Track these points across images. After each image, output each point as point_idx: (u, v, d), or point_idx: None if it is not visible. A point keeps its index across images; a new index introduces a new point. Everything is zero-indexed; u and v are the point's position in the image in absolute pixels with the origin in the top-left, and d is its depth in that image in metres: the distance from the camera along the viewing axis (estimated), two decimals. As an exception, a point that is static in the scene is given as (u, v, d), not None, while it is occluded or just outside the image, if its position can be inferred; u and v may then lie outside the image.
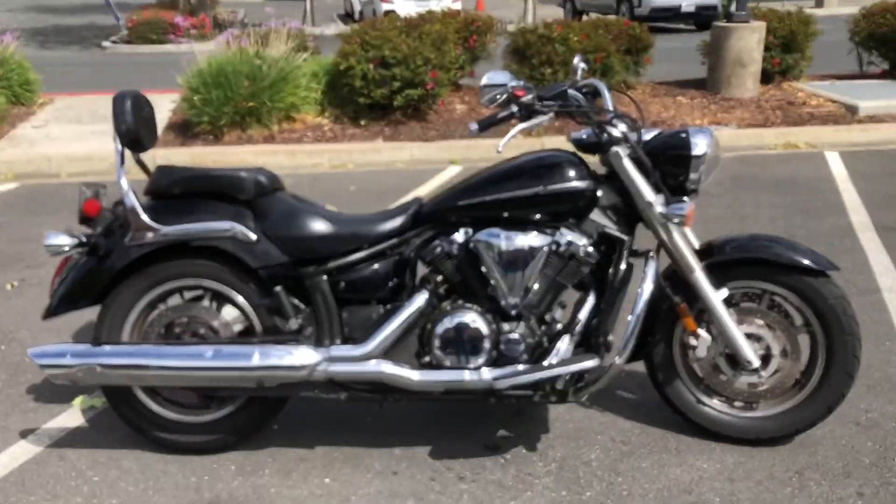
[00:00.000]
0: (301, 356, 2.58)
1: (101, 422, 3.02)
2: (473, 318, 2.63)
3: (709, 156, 2.64)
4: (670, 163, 2.65)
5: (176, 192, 2.75)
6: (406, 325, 2.65)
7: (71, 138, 7.43)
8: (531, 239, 2.61)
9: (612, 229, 2.72)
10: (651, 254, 2.70)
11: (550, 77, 7.58)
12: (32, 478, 2.72)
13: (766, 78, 8.96)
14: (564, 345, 2.64)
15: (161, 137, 7.43)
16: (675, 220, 2.58)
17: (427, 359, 2.67)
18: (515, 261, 2.60)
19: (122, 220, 2.72)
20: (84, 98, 9.19)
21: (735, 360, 2.76)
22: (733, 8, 8.77)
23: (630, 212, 2.71)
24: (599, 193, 2.69)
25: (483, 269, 2.63)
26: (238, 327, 2.84)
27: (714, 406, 2.86)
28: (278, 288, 2.65)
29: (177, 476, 2.72)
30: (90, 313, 2.83)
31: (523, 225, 2.65)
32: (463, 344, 2.63)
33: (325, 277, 2.68)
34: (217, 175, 2.73)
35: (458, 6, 17.45)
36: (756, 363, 2.72)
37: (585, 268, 2.68)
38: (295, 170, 6.89)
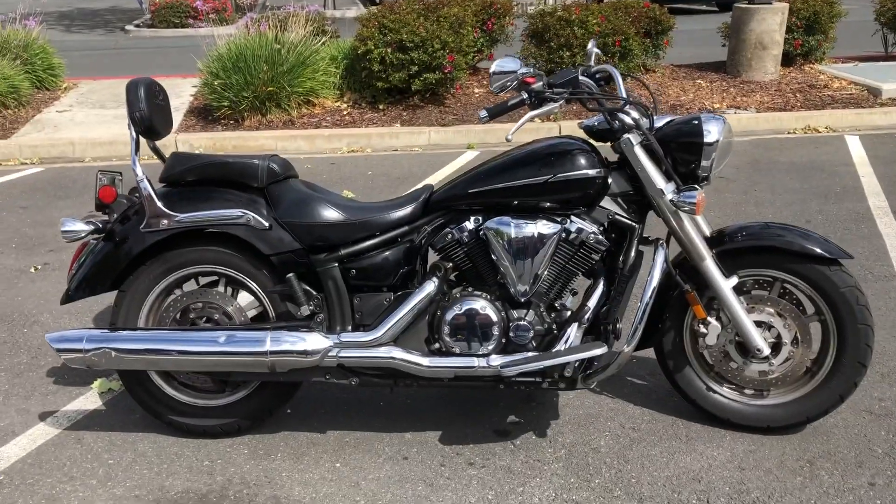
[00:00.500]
0: (312, 342, 2.61)
1: (119, 405, 3.08)
2: (483, 305, 2.65)
3: (721, 143, 2.62)
4: (682, 150, 2.64)
5: (190, 180, 2.78)
6: (416, 312, 2.67)
7: (94, 123, 7.50)
8: (541, 227, 2.62)
9: (623, 217, 2.71)
10: (661, 242, 2.70)
11: (568, 60, 7.54)
12: (50, 459, 2.77)
13: (788, 60, 8.85)
14: (573, 332, 2.64)
15: (182, 122, 7.53)
16: (686, 209, 2.57)
17: (437, 345, 2.70)
18: (525, 248, 2.61)
19: (138, 207, 2.75)
20: (107, 82, 9.26)
21: (745, 348, 2.75)
22: (755, -12, 8.66)
23: (641, 199, 2.70)
24: (610, 181, 2.69)
25: (493, 256, 2.64)
26: (252, 313, 2.89)
27: (724, 394, 2.86)
28: (290, 275, 2.68)
29: (191, 459, 2.77)
30: (110, 298, 2.87)
31: (533, 213, 2.66)
32: (472, 331, 2.65)
33: (336, 265, 2.70)
34: (230, 162, 2.76)
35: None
36: (766, 351, 2.71)
37: (595, 255, 2.68)
38: (314, 154, 6.94)
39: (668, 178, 2.65)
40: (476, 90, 8.05)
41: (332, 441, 2.86)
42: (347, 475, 2.67)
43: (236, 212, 2.67)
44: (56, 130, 7.18)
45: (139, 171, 2.72)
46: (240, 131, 7.17)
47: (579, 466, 2.70)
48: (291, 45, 7.26)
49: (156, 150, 2.91)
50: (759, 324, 2.75)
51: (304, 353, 2.60)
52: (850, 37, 9.51)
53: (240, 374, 2.73)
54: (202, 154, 2.85)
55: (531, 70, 2.52)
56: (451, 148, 6.98)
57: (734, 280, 2.71)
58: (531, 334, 2.65)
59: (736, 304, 2.69)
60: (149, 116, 2.71)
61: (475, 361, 2.63)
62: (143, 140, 2.79)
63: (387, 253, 2.72)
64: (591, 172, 2.62)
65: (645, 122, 2.66)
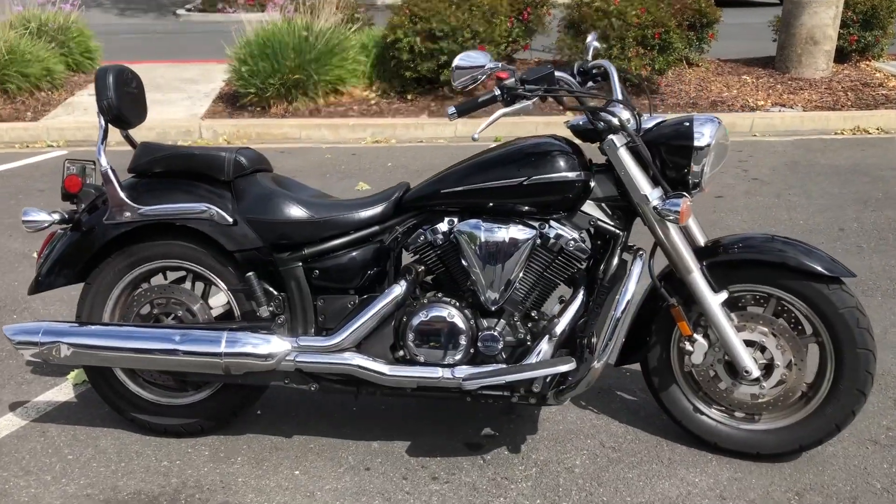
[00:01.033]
0: (268, 345, 2.50)
1: (89, 398, 3.02)
2: (450, 313, 2.50)
3: (713, 147, 2.42)
4: (672, 153, 2.45)
5: (157, 171, 2.69)
6: (381, 317, 2.54)
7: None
8: (514, 231, 2.46)
9: (607, 223, 2.54)
10: (641, 252, 2.51)
11: (605, 53, 7.29)
12: (10, 452, 2.73)
13: (842, 57, 8.45)
14: (546, 345, 2.48)
15: (210, 108, 7.53)
16: (670, 218, 2.38)
17: (401, 353, 2.56)
18: (495, 254, 2.46)
19: (105, 198, 2.68)
20: (143, 66, 9.26)
21: (734, 369, 2.56)
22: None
23: (627, 205, 2.52)
24: (593, 185, 2.51)
25: (463, 261, 2.49)
26: (219, 311, 2.79)
27: (712, 416, 2.67)
28: (250, 273, 2.57)
29: (150, 459, 2.69)
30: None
31: (509, 216, 2.50)
32: (438, 339, 2.50)
33: (299, 264, 2.58)
34: (196, 154, 2.66)
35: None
36: (755, 373, 2.51)
37: (576, 264, 2.51)
38: (337, 144, 6.85)
39: (656, 183, 2.46)
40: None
41: (296, 447, 2.75)
42: (304, 484, 2.56)
43: (200, 206, 2.58)
44: (85, 114, 7.23)
45: (103, 160, 2.64)
46: (265, 118, 7.12)
47: (548, 487, 2.54)
48: (320, 32, 7.17)
49: (129, 139, 2.84)
50: (750, 343, 2.55)
51: (260, 356, 2.50)
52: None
53: (195, 375, 2.64)
54: (170, 145, 2.75)
55: (500, 65, 2.35)
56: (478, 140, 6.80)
57: (723, 295, 2.51)
58: (500, 345, 2.50)
59: (724, 321, 2.49)
60: (117, 105, 2.63)
61: (439, 372, 2.49)
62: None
63: (353, 253, 2.59)
64: (570, 175, 2.44)
65: (631, 123, 2.47)
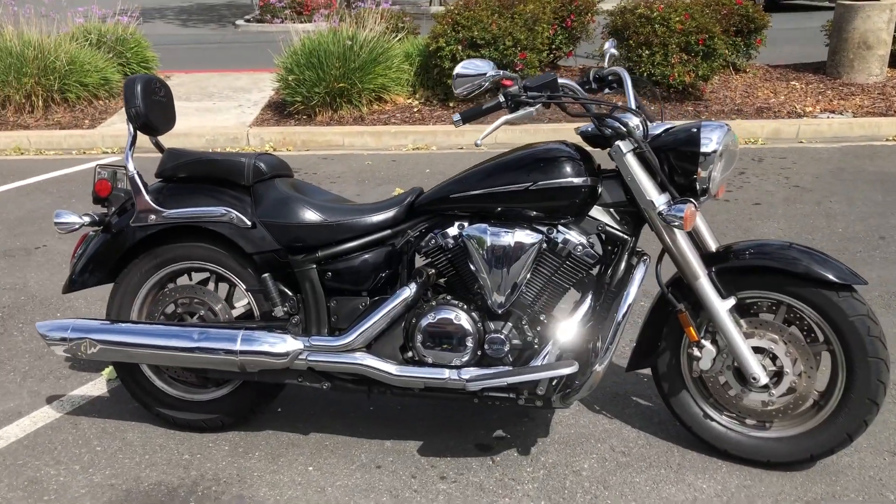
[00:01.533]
0: (281, 344, 2.59)
1: (121, 394, 3.15)
2: (457, 315, 2.55)
3: (720, 153, 2.43)
4: (679, 159, 2.46)
5: (181, 176, 2.81)
6: (391, 318, 2.61)
7: (177, 114, 7.77)
8: (520, 235, 2.50)
9: (615, 228, 2.56)
10: (645, 257, 2.53)
11: (647, 59, 7.25)
12: (43, 442, 2.87)
13: (898, 62, 8.24)
14: (552, 349, 2.51)
15: (258, 116, 7.72)
16: (675, 223, 2.39)
17: (410, 354, 2.62)
18: (502, 257, 2.50)
19: (133, 201, 2.80)
20: (197, 75, 9.60)
21: (743, 375, 2.55)
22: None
23: (636, 211, 2.54)
24: (601, 190, 2.54)
25: (470, 264, 2.54)
26: (239, 311, 2.89)
27: (722, 422, 2.66)
28: (266, 275, 2.66)
29: (173, 452, 2.81)
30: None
31: (518, 220, 2.54)
32: (445, 341, 2.56)
33: (313, 266, 2.66)
34: (218, 160, 2.77)
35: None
36: (763, 380, 2.50)
37: (583, 268, 2.54)
38: (378, 151, 6.96)
39: (663, 189, 2.48)
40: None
41: (312, 444, 2.83)
42: (317, 480, 2.64)
43: (220, 209, 2.68)
44: (140, 121, 7.48)
45: (131, 166, 2.77)
46: (310, 126, 7.27)
47: (554, 489, 2.56)
48: (364, 41, 7.30)
49: (157, 145, 2.96)
50: (759, 350, 2.54)
51: (274, 354, 2.59)
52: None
53: (214, 372, 2.74)
54: (194, 151, 2.87)
55: (502, 73, 2.40)
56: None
57: (731, 301, 2.51)
58: (507, 348, 2.54)
59: (731, 327, 2.49)
60: (144, 112, 2.75)
61: (446, 373, 2.54)
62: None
63: (366, 256, 2.66)
64: (576, 181, 2.47)
65: (638, 129, 2.49)
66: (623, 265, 2.55)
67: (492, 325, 2.57)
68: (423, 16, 9.88)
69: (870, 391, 2.44)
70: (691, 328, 2.54)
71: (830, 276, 2.41)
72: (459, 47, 7.15)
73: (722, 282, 2.52)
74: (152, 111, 2.78)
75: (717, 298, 2.49)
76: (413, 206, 2.68)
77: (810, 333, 2.55)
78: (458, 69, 2.38)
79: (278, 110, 7.73)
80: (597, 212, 2.57)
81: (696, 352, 2.56)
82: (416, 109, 7.54)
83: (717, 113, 7.31)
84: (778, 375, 2.54)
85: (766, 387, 2.53)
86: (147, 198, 2.73)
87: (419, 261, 2.70)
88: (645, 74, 7.32)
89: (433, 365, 2.58)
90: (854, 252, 4.44)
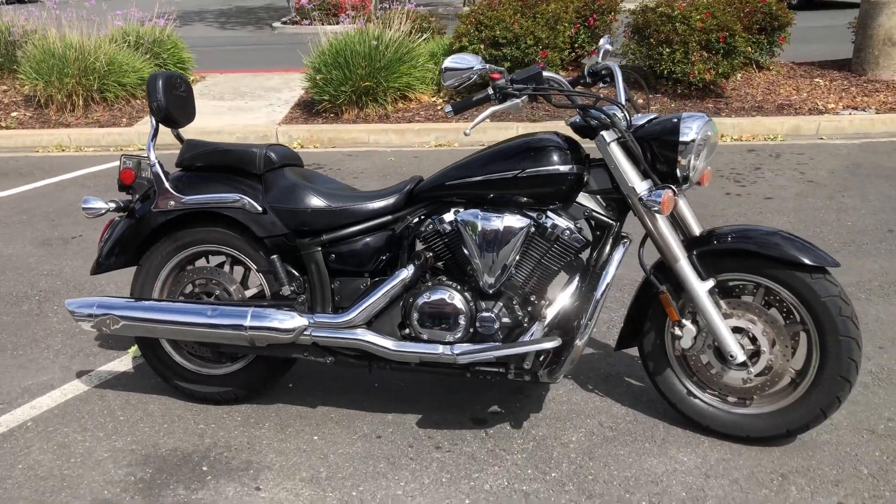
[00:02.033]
0: (288, 320, 2.78)
1: (145, 370, 3.36)
2: (451, 295, 2.72)
3: (698, 142, 2.56)
4: (661, 148, 2.60)
5: (199, 165, 3.02)
6: (389, 297, 2.78)
7: (210, 113, 8.06)
8: (509, 220, 2.66)
9: (600, 214, 2.71)
10: (625, 240, 2.67)
11: (668, 57, 7.34)
12: (72, 412, 3.10)
13: (924, 58, 8.20)
14: (539, 327, 2.67)
15: (288, 114, 7.96)
16: (654, 208, 2.53)
17: (407, 331, 2.80)
18: (491, 241, 2.66)
19: (155, 189, 3.02)
20: (231, 75, 9.89)
21: (723, 354, 2.68)
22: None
23: (621, 197, 2.68)
24: (587, 178, 2.69)
25: (463, 247, 2.71)
26: (252, 291, 3.10)
27: (705, 399, 2.79)
28: (274, 256, 2.86)
29: (189, 422, 3.02)
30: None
31: (509, 206, 2.70)
32: (439, 318, 2.73)
33: (319, 249, 2.85)
34: (231, 150, 2.97)
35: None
36: (740, 357, 2.63)
37: (571, 252, 2.69)
38: (402, 148, 7.15)
39: (646, 176, 2.62)
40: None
41: (319, 416, 3.02)
42: (321, 448, 2.83)
43: (233, 196, 2.88)
44: (174, 120, 7.77)
45: (153, 155, 2.99)
46: (337, 124, 7.49)
47: (541, 459, 2.72)
48: (390, 41, 7.49)
49: (178, 137, 3.17)
50: (738, 330, 2.67)
51: (280, 330, 2.78)
52: None
53: (227, 347, 2.95)
54: (211, 142, 3.07)
55: (488, 67, 2.56)
56: (537, 144, 6.99)
57: (710, 283, 2.64)
58: (497, 326, 2.70)
59: (709, 308, 2.62)
60: (165, 107, 2.95)
61: (440, 349, 2.71)
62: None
63: (367, 240, 2.84)
64: (563, 168, 2.63)
65: (621, 120, 2.63)
66: (608, 249, 2.69)
67: (483, 305, 2.73)
68: (450, 16, 10.04)
69: (842, 369, 2.55)
70: (672, 308, 2.68)
71: (803, 259, 2.53)
72: (482, 46, 7.31)
73: (703, 264, 2.66)
74: (173, 105, 2.98)
75: (697, 280, 2.63)
76: (413, 193, 2.85)
77: (790, 315, 2.67)
78: (447, 63, 2.54)
79: (307, 109, 7.97)
80: (584, 198, 2.72)
81: (677, 331, 2.70)
82: (439, 107, 7.72)
83: (738, 110, 7.38)
84: (756, 354, 2.66)
85: (744, 364, 2.66)
86: (167, 185, 2.94)
87: (419, 245, 2.87)
88: (665, 72, 7.41)
89: (428, 341, 2.75)
90: (860, 244, 4.51)
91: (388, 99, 7.57)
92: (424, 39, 7.97)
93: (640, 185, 2.60)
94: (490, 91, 2.58)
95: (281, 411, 3.07)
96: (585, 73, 2.99)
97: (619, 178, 2.62)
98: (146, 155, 3.12)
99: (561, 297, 2.71)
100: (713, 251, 2.66)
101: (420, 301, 2.74)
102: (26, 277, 4.44)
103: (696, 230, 2.77)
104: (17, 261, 4.69)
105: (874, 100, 7.53)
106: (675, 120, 2.59)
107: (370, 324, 2.81)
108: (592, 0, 8.17)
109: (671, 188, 2.56)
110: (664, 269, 2.71)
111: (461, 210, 2.74)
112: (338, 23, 8.70)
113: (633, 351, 2.94)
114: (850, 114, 7.26)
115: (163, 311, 2.91)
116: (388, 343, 2.75)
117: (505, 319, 2.72)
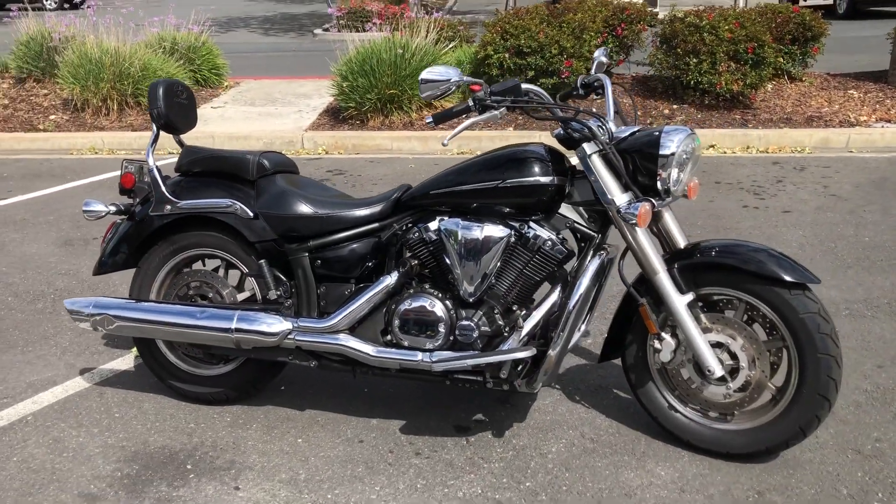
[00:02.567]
0: (272, 324, 2.84)
1: (145, 369, 3.45)
2: (432, 302, 2.75)
3: (678, 155, 2.56)
4: (642, 160, 2.60)
5: (196, 171, 3.10)
6: (373, 304, 2.82)
7: (240, 118, 8.23)
8: (490, 229, 2.68)
9: (582, 225, 2.72)
10: (602, 252, 2.67)
11: (694, 68, 7.28)
12: (70, 408, 3.20)
13: (964, 70, 8.01)
14: (515, 336, 2.68)
15: (315, 121, 8.08)
16: (631, 221, 2.53)
17: (389, 337, 2.83)
18: (472, 250, 2.68)
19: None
20: (264, 82, 10.07)
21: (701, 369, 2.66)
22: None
23: (603, 209, 2.69)
24: (570, 189, 2.70)
25: (445, 256, 2.74)
26: (245, 294, 3.17)
27: (686, 414, 2.78)
28: (262, 260, 2.92)
29: (180, 421, 3.09)
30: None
31: (492, 216, 2.72)
32: (420, 326, 2.75)
33: (306, 255, 2.91)
34: (226, 157, 3.05)
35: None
36: (718, 372, 2.61)
37: (553, 262, 2.70)
38: (424, 155, 7.21)
39: (627, 189, 2.62)
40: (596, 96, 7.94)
41: (305, 419, 3.08)
42: (303, 450, 2.88)
43: (226, 201, 2.95)
44: (205, 124, 7.94)
45: (151, 161, 3.08)
46: (361, 131, 7.58)
47: (518, 469, 2.73)
48: (416, 49, 7.56)
49: (180, 143, 3.26)
50: (718, 345, 2.65)
51: (265, 333, 2.84)
52: None
53: (216, 348, 3.02)
54: (208, 148, 3.15)
55: (466, 79, 2.58)
56: (559, 153, 6.98)
57: (689, 297, 2.63)
58: (476, 334, 2.72)
59: (688, 321, 2.61)
60: (165, 113, 3.04)
61: (419, 356, 2.73)
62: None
63: (353, 246, 2.89)
64: (543, 180, 2.64)
65: (602, 133, 2.64)
66: (589, 260, 2.70)
67: (464, 313, 2.76)
68: (479, 24, 10.09)
69: (820, 387, 2.52)
70: (651, 322, 2.67)
71: (782, 274, 2.51)
72: (507, 55, 7.33)
73: (683, 278, 2.65)
74: (173, 112, 3.07)
75: (676, 293, 2.62)
76: (400, 201, 2.89)
77: (773, 331, 2.64)
78: (424, 74, 2.57)
79: (334, 115, 8.07)
80: (566, 209, 2.73)
81: (657, 344, 2.69)
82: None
83: (765, 121, 7.28)
84: (735, 370, 2.64)
85: (723, 380, 2.64)
86: (164, 189, 3.03)
87: (406, 253, 2.91)
88: (692, 82, 7.35)
89: (409, 348, 2.78)
90: (874, 260, 4.43)
91: (412, 106, 7.64)
92: (452, 48, 8.02)
93: (621, 198, 2.61)
94: (470, 102, 2.61)
95: (270, 413, 3.13)
96: (578, 84, 3.01)
97: (598, 189, 2.63)
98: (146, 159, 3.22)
99: (541, 308, 2.72)
100: (694, 265, 2.65)
101: (401, 308, 2.78)
102: (45, 276, 4.59)
103: (682, 243, 2.76)
104: (39, 260, 4.85)
105: (909, 113, 7.37)
106: (657, 133, 2.59)
107: (354, 329, 2.86)
108: (622, 9, 8.13)
109: (650, 201, 2.56)
110: (645, 282, 2.70)
111: (445, 219, 2.77)
112: (365, 30, 8.78)
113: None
114: (883, 126, 7.12)
115: (155, 311, 2.99)
116: (368, 349, 2.79)
117: (485, 328, 2.74)
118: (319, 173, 6.69)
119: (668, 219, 2.78)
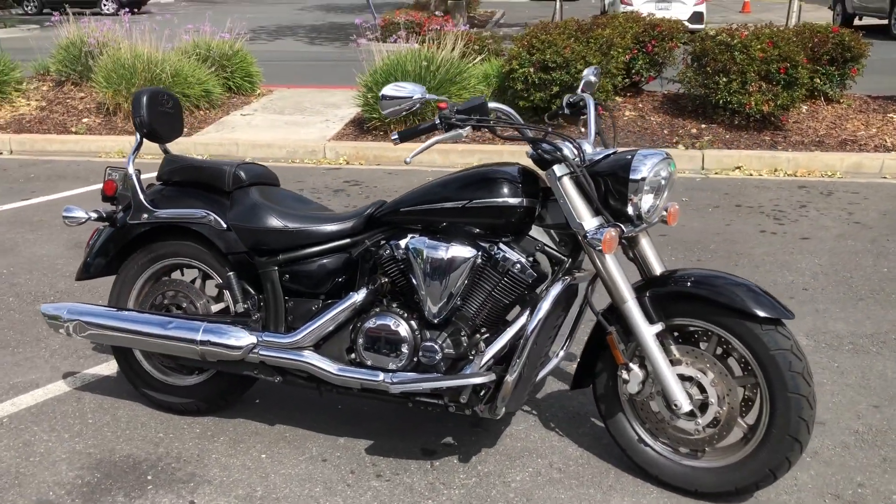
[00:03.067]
0: (236, 337, 2.81)
1: (127, 375, 3.48)
2: (396, 322, 2.70)
3: (650, 180, 2.47)
4: (614, 184, 2.52)
5: (176, 180, 3.10)
6: (338, 321, 2.78)
7: (266, 126, 8.29)
8: (457, 249, 2.62)
9: (552, 249, 2.64)
10: (566, 277, 2.59)
11: (724, 87, 7.11)
12: (47, 412, 3.22)
13: None
14: (481, 359, 2.61)
15: (340, 131, 8.10)
16: (596, 247, 2.45)
17: (353, 356, 2.78)
18: (437, 270, 2.63)
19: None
20: (297, 90, 10.14)
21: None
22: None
23: (573, 233, 2.61)
24: (541, 211, 2.63)
25: (412, 275, 2.68)
26: (220, 306, 3.15)
27: (656, 448, 2.67)
28: (231, 273, 2.90)
29: (150, 430, 3.08)
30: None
31: (460, 236, 2.66)
32: (383, 345, 2.70)
33: (275, 268, 2.88)
34: (203, 167, 3.04)
35: (701, 8, 16.73)
36: (685, 407, 2.50)
37: (521, 285, 2.62)
38: (444, 168, 7.14)
39: (598, 213, 2.54)
40: (627, 113, 7.84)
41: (273, 434, 3.04)
42: (265, 466, 2.84)
43: (200, 212, 2.94)
44: (232, 131, 8.03)
45: (131, 168, 3.09)
46: (384, 142, 7.57)
47: (478, 496, 2.65)
48: (442, 62, 7.53)
49: (165, 151, 3.27)
50: (689, 378, 2.54)
51: (228, 346, 2.81)
52: None
53: (183, 359, 3.00)
54: (188, 157, 3.15)
55: (427, 97, 2.52)
56: (580, 170, 6.88)
57: (658, 327, 2.53)
58: (439, 356, 2.65)
59: (655, 352, 2.51)
60: (148, 122, 3.04)
61: (380, 376, 2.68)
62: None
63: (323, 261, 2.85)
64: (512, 201, 2.58)
65: (573, 155, 2.56)
66: (559, 285, 2.62)
67: (428, 335, 2.69)
68: (509, 37, 10.02)
69: (790, 428, 2.40)
70: (618, 351, 2.58)
71: (753, 308, 2.39)
72: (532, 69, 7.26)
73: (654, 307, 2.55)
74: (157, 121, 3.07)
75: (644, 323, 2.52)
76: (373, 217, 2.85)
77: (747, 367, 2.53)
78: (386, 90, 2.53)
79: (359, 126, 8.08)
80: (537, 232, 2.65)
81: (625, 375, 2.60)
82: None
83: (796, 144, 7.08)
84: (705, 405, 2.53)
85: (692, 414, 2.53)
86: (142, 198, 3.03)
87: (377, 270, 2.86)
88: (721, 102, 7.19)
89: (372, 367, 2.73)
90: (889, 293, 4.25)
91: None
92: (480, 61, 7.97)
93: (590, 222, 2.52)
94: (437, 120, 2.56)
95: (239, 427, 3.10)
96: (564, 103, 2.95)
97: (566, 212, 2.55)
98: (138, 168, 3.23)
99: (507, 332, 2.64)
100: (667, 294, 2.56)
101: (366, 326, 2.73)
102: (49, 278, 4.65)
103: (658, 270, 2.67)
104: (47, 261, 4.92)
105: (950, 139, 7.09)
106: (629, 157, 2.51)
107: (319, 346, 2.81)
108: (653, 26, 8.00)
109: (618, 227, 2.48)
110: (615, 310, 2.61)
111: (415, 236, 2.72)
112: (394, 41, 8.79)
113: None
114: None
115: (125, 320, 2.99)
116: (330, 366, 2.74)
117: (449, 351, 2.67)
118: (336, 183, 6.69)
119: (645, 245, 2.69)
